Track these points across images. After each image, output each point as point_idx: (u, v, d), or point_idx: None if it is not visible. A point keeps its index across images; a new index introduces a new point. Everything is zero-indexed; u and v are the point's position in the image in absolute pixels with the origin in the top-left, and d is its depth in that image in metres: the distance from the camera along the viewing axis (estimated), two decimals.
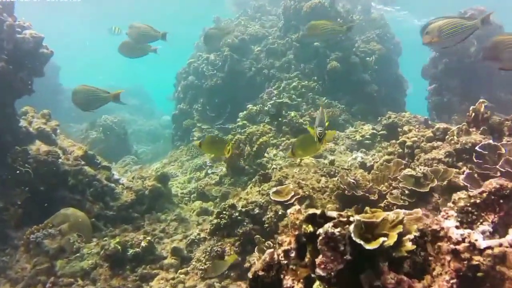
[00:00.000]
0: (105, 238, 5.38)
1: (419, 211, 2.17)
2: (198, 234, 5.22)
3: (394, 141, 5.87)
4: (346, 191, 4.51)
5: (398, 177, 4.45)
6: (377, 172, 5.01)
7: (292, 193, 4.61)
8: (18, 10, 5.89)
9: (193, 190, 7.44)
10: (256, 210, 4.64)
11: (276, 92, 9.54)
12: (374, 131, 8.03)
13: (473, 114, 4.61)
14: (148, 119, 19.90)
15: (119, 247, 4.93)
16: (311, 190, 4.68)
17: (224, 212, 4.67)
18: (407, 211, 2.10)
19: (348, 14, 10.94)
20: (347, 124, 9.29)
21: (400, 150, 5.35)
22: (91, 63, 47.93)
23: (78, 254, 5.01)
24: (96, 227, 5.54)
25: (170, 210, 6.49)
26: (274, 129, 8.66)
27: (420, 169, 4.36)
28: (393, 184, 4.64)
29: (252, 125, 8.92)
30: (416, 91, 12.87)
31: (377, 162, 5.76)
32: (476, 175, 3.88)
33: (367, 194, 4.50)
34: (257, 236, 4.34)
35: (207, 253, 4.59)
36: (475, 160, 4.04)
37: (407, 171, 4.42)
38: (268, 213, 4.58)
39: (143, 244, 5.01)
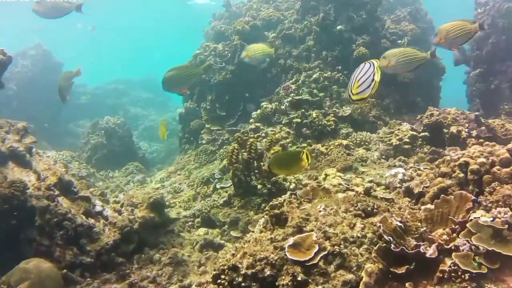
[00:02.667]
0: None
1: None
2: None
3: (448, 157, 4.51)
4: (392, 246, 3.20)
5: (468, 225, 3.13)
6: (431, 208, 3.68)
7: (316, 248, 3.31)
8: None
9: (198, 213, 6.22)
10: (267, 272, 3.35)
11: (294, 87, 8.19)
12: (414, 132, 6.64)
13: None
14: (161, 113, 18.76)
15: None
16: (342, 243, 3.37)
17: (223, 276, 3.41)
18: None
19: None
20: (379, 121, 7.91)
21: (462, 175, 3.99)
22: (97, 56, 47.09)
23: None
24: (68, 280, 4.37)
25: (167, 244, 5.29)
26: (293, 132, 7.36)
27: (499, 214, 3.04)
28: (457, 230, 3.32)
29: (267, 128, 7.64)
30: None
31: (426, 186, 4.42)
32: None
33: (421, 251, 3.17)
34: None
35: None
36: None
37: (480, 216, 3.09)
38: (283, 278, 3.30)
39: None
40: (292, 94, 7.86)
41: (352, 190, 4.82)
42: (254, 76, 9.37)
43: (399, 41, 9.61)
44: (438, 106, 10.15)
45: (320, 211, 3.80)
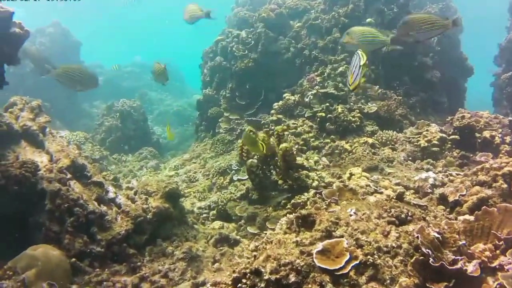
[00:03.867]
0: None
1: None
2: None
3: (488, 164, 4.20)
4: (431, 260, 2.91)
5: None
6: (471, 220, 3.39)
7: (347, 256, 3.04)
8: None
9: (213, 205, 5.96)
10: (292, 278, 3.08)
11: (319, 80, 7.87)
12: (443, 134, 6.30)
13: None
14: (177, 99, 18.50)
15: None
16: (375, 252, 3.09)
17: (244, 280, 3.15)
18: None
19: None
20: (405, 120, 7.58)
21: (505, 186, 3.68)
22: (114, 37, 46.89)
23: None
24: (77, 270, 4.13)
25: (180, 236, 5.04)
26: (316, 126, 7.05)
27: None
28: (501, 247, 3.03)
29: (289, 120, 7.34)
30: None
31: (463, 194, 4.12)
32: None
33: (462, 267, 2.89)
34: None
35: None
36: None
37: None
38: (310, 286, 3.03)
39: None
40: (317, 87, 7.54)
41: (381, 193, 4.53)
42: (277, 66, 9.05)
43: None
44: (463, 108, 9.81)
45: (350, 215, 3.52)
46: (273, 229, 5.12)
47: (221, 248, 4.96)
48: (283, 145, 5.28)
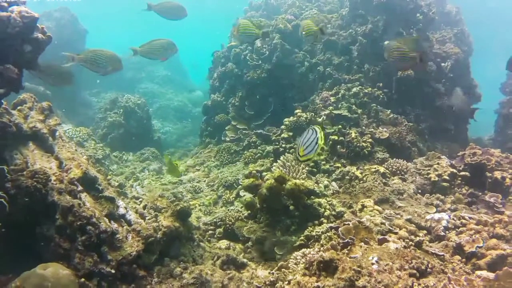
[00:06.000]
0: None
1: None
2: None
3: (506, 217, 4.18)
4: None
5: None
6: (491, 278, 3.38)
7: None
8: None
9: (220, 223, 5.89)
10: None
11: (333, 100, 7.81)
12: (454, 170, 6.28)
13: None
14: (178, 93, 18.32)
15: None
16: None
17: None
18: None
19: (429, 8, 8.98)
20: (414, 147, 7.55)
21: None
22: (119, 26, 46.45)
23: None
24: None
25: (187, 256, 4.97)
26: (327, 148, 7.00)
27: None
28: None
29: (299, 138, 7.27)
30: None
31: (480, 246, 4.10)
32: None
33: None
34: None
35: None
36: None
37: None
38: None
39: None
40: (331, 107, 7.48)
41: (395, 233, 4.50)
42: (290, 79, 8.98)
43: (443, 64, 9.20)
44: (467, 133, 9.82)
45: (373, 264, 3.48)
46: (281, 255, 5.09)
47: (228, 272, 4.89)
48: (288, 186, 5.25)
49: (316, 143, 3.54)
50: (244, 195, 6.38)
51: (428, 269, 3.55)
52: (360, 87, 8.14)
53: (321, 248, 4.26)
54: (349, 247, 3.77)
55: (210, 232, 5.86)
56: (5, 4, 4.02)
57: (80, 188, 4.63)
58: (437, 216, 4.97)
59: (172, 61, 21.14)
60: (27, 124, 5.04)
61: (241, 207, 6.30)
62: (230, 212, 5.94)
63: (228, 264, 5.08)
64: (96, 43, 18.65)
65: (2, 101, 4.55)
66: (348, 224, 4.40)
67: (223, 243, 5.54)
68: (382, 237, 4.22)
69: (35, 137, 4.97)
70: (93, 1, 33.28)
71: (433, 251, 4.00)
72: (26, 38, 4.32)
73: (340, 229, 4.35)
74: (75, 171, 4.80)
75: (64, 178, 4.63)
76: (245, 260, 5.15)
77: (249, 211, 5.77)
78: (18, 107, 5.26)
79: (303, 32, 5.66)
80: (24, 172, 4.30)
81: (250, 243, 5.40)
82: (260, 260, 5.18)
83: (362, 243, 4.03)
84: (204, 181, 7.66)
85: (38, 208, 4.25)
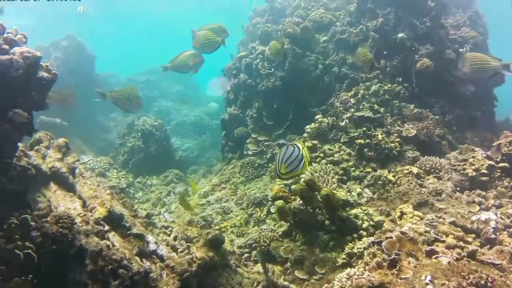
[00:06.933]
0: None
1: None
2: None
3: None
4: None
5: None
6: None
7: None
8: None
9: (255, 244, 5.70)
10: None
11: (353, 101, 7.57)
12: (491, 162, 6.00)
13: None
14: (193, 107, 18.21)
15: None
16: None
17: None
18: None
19: None
20: (443, 141, 7.26)
21: None
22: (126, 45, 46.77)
23: None
24: None
25: (226, 286, 4.80)
26: (354, 153, 6.77)
27: None
28: None
29: (323, 145, 7.06)
30: None
31: None
32: None
33: None
34: None
35: None
36: None
37: None
38: None
39: None
40: (352, 110, 7.24)
41: (443, 242, 4.25)
42: (305, 84, 8.75)
43: (461, 49, 8.88)
44: (495, 118, 9.47)
45: (427, 284, 3.25)
46: (323, 274, 4.88)
47: None
48: (323, 192, 5.02)
49: (301, 160, 3.53)
50: (274, 210, 6.18)
51: (489, 284, 3.31)
52: (379, 84, 7.90)
53: (366, 267, 4.04)
54: (397, 267, 3.54)
55: (245, 255, 5.67)
56: (7, 47, 3.88)
57: (107, 227, 4.48)
58: (484, 216, 4.70)
59: (185, 77, 21.09)
60: (46, 165, 4.92)
61: (274, 225, 6.11)
62: (263, 232, 5.74)
63: None
64: (105, 67, 18.69)
65: (18, 144, 4.42)
66: (391, 238, 4.17)
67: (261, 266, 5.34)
68: (429, 248, 3.99)
69: (55, 177, 4.85)
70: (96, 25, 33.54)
71: (489, 260, 3.74)
72: (31, 79, 4.18)
73: (383, 244, 4.12)
74: (99, 210, 4.66)
75: (89, 218, 4.49)
76: (286, 283, 4.95)
77: (282, 220, 5.54)
78: (35, 147, 5.15)
79: (360, 60, 6.14)
80: (49, 218, 4.15)
81: (288, 263, 5.20)
82: (301, 282, 4.98)
83: (410, 258, 3.80)
84: (232, 199, 7.48)
85: (67, 252, 4.10)
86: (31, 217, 4.07)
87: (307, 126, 7.48)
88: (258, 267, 5.36)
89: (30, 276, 3.75)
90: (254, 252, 5.66)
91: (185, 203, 6.80)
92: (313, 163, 6.59)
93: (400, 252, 3.90)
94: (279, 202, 5.37)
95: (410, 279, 3.32)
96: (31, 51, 4.24)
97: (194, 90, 20.35)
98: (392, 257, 3.76)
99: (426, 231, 4.42)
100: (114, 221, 4.67)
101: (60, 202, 4.67)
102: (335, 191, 5.48)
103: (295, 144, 3.57)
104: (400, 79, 7.96)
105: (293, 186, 5.90)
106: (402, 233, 4.27)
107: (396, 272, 3.45)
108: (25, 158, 4.73)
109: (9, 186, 4.12)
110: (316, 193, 5.18)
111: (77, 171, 5.22)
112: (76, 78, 13.73)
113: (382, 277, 3.32)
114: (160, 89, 19.04)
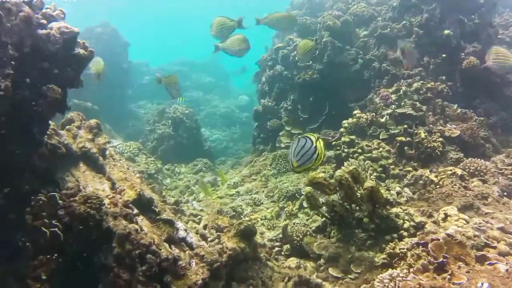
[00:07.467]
0: None
1: None
2: None
3: None
4: None
5: None
6: None
7: None
8: None
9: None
10: None
11: (394, 98, 7.26)
12: None
13: None
14: (224, 99, 18.10)
15: None
16: None
17: None
18: None
19: None
20: (488, 143, 6.90)
21: None
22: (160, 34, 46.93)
23: None
24: None
25: (256, 278, 4.59)
26: (394, 151, 6.49)
27: None
28: None
29: (361, 141, 6.78)
30: None
31: None
32: None
33: None
34: None
35: None
36: None
37: None
38: None
39: None
40: (393, 106, 6.95)
41: (494, 248, 3.96)
42: (344, 78, 8.48)
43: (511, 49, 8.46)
44: None
45: None
46: (359, 273, 4.64)
47: None
48: (368, 184, 4.74)
49: (314, 152, 3.37)
50: (307, 205, 5.93)
51: None
52: (421, 82, 7.55)
53: (410, 270, 3.78)
54: (449, 271, 3.27)
55: (276, 249, 5.46)
56: (44, 22, 3.72)
57: (135, 211, 4.32)
58: None
59: (216, 68, 20.98)
60: (76, 144, 4.81)
61: (307, 219, 5.88)
62: (296, 226, 5.51)
63: (301, 285, 4.66)
64: (136, 55, 18.70)
65: (50, 122, 4.28)
66: (438, 240, 3.90)
67: (293, 261, 5.12)
68: (480, 253, 3.71)
69: (85, 157, 4.73)
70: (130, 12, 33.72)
71: None
72: (67, 55, 4.04)
73: (429, 245, 3.85)
74: (129, 193, 4.51)
75: (118, 201, 4.33)
76: (319, 280, 4.71)
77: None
78: (67, 127, 5.04)
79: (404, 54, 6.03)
80: (77, 198, 4.00)
81: (322, 260, 4.96)
82: (335, 280, 4.74)
83: (460, 263, 3.53)
84: (263, 191, 7.27)
85: (94, 234, 3.95)
86: (59, 195, 3.94)
87: (344, 121, 7.22)
88: (290, 262, 5.15)
89: (55, 255, 3.61)
90: (285, 246, 5.44)
91: (205, 187, 6.67)
92: (350, 159, 6.34)
93: (448, 256, 3.63)
94: (308, 189, 5.13)
95: (464, 285, 3.05)
96: (68, 27, 4.08)
97: (224, 82, 20.22)
98: (440, 260, 3.50)
99: (475, 235, 4.14)
100: (143, 205, 4.51)
101: (89, 182, 4.54)
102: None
103: (307, 137, 3.43)
104: (444, 77, 7.61)
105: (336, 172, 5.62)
106: (448, 235, 3.99)
107: (448, 276, 3.18)
108: (56, 136, 4.63)
109: (38, 163, 4.00)
110: (358, 187, 4.93)
111: (107, 152, 5.09)
112: (109, 65, 13.68)
113: (431, 281, 3.06)
114: (191, 80, 18.98)
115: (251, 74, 11.80)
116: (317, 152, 3.36)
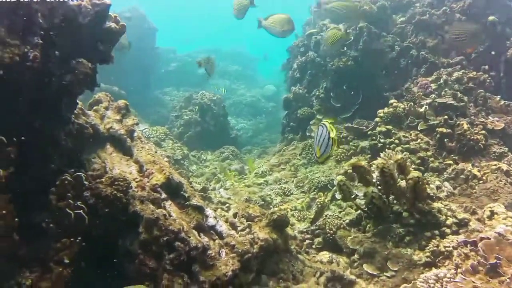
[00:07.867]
0: None
1: None
2: None
3: None
4: None
5: None
6: None
7: None
8: None
9: (318, 231, 5.22)
10: None
11: (434, 87, 6.89)
12: None
13: None
14: (250, 88, 17.84)
15: None
16: None
17: None
18: None
19: None
20: None
21: None
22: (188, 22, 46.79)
23: None
24: None
25: (287, 272, 4.36)
26: (433, 143, 6.14)
27: None
28: None
29: (398, 132, 6.46)
30: None
31: None
32: None
33: None
34: None
35: None
36: None
37: None
38: None
39: None
40: (433, 96, 6.59)
41: None
42: (379, 66, 8.12)
43: None
44: None
45: None
46: (396, 271, 4.36)
47: None
48: (414, 174, 4.43)
49: (329, 139, 3.22)
50: (339, 197, 5.63)
51: None
52: (462, 71, 7.16)
53: (458, 270, 3.48)
54: (508, 274, 2.97)
55: (307, 241, 5.20)
56: None
57: (164, 195, 4.12)
58: None
59: (242, 56, 20.71)
60: (104, 125, 4.65)
61: (339, 212, 5.61)
62: (329, 219, 5.24)
63: (333, 281, 4.40)
64: (163, 41, 18.56)
65: (78, 101, 4.09)
66: (489, 239, 3.58)
67: (325, 255, 4.85)
68: None
69: (113, 138, 4.57)
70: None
71: None
72: (98, 28, 3.82)
73: (479, 244, 3.55)
74: (157, 176, 4.31)
75: (146, 184, 4.14)
76: (353, 277, 4.44)
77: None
78: (94, 107, 4.89)
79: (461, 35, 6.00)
80: (103, 179, 3.81)
81: (356, 256, 4.69)
82: (370, 277, 4.46)
83: None
84: (292, 181, 7.02)
85: (120, 218, 3.76)
86: (85, 176, 3.75)
87: (380, 111, 6.88)
88: (321, 256, 4.88)
89: (79, 238, 3.42)
90: (317, 240, 5.18)
91: (223, 169, 6.50)
92: (386, 149, 6.02)
93: (501, 257, 3.32)
94: (340, 177, 4.86)
95: None
96: None
97: (251, 70, 19.96)
98: (494, 261, 3.19)
99: None
100: (172, 189, 4.31)
101: (116, 165, 4.36)
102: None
103: (324, 124, 3.30)
104: (487, 67, 7.20)
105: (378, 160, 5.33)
106: (499, 234, 3.67)
107: (508, 280, 2.87)
108: (83, 116, 4.46)
109: (65, 142, 3.81)
110: (400, 179, 4.62)
111: (135, 134, 4.91)
112: (137, 50, 13.58)
113: (487, 284, 2.76)
114: (217, 67, 18.73)
115: (275, 64, 11.53)
116: (330, 140, 3.23)
